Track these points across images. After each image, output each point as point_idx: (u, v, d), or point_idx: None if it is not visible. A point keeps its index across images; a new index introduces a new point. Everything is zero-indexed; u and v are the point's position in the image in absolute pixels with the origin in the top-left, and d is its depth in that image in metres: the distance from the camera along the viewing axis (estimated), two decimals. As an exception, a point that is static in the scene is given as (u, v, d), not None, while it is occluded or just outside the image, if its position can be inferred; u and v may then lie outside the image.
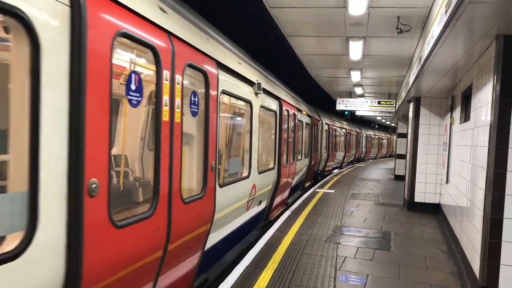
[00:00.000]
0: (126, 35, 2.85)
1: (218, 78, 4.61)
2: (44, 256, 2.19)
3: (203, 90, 4.30)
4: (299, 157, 11.57)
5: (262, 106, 7.01)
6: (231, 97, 5.68)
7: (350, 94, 17.19)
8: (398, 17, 6.36)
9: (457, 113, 7.69)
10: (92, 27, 2.44)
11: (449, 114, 8.74)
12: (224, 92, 4.95)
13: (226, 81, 5.04)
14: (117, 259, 2.74)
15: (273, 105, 7.99)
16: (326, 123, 18.28)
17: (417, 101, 10.10)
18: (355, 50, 8.54)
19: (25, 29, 2.05)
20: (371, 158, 39.58)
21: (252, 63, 7.02)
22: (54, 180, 2.24)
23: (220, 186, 4.82)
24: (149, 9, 3.25)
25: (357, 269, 5.51)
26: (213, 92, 4.44)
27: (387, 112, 16.29)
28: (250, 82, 6.31)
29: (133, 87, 3.15)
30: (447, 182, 8.36)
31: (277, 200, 8.82)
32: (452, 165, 7.81)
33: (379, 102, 15.81)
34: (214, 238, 4.90)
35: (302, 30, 7.67)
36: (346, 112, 22.01)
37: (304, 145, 12.73)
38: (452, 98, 8.48)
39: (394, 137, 43.22)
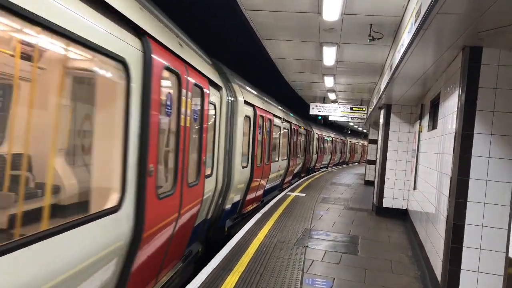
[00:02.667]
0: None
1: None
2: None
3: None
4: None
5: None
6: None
7: (324, 100, 17.39)
8: (371, 24, 6.46)
9: (425, 121, 7.88)
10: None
11: (418, 122, 8.95)
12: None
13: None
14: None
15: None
16: (316, 133, 24.02)
17: (388, 108, 10.30)
18: (329, 55, 8.64)
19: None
20: (356, 162, 45.39)
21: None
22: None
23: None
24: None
25: (324, 272, 5.55)
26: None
27: (359, 118, 16.54)
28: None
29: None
30: (414, 188, 8.55)
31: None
32: (420, 172, 7.99)
33: (351, 108, 16.04)
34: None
35: (276, 34, 7.71)
36: (320, 117, 23.18)
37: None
38: (421, 106, 8.68)
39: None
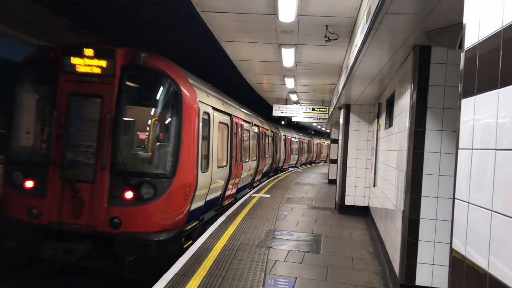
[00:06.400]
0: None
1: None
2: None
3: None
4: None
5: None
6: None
7: (286, 101, 17.53)
8: (327, 25, 6.56)
9: (382, 119, 8.06)
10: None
11: (376, 120, 9.15)
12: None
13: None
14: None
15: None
16: (283, 135, 24.63)
17: (347, 108, 10.49)
18: (288, 57, 8.70)
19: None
20: (322, 161, 47.19)
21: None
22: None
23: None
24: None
25: (286, 272, 5.57)
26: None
27: (321, 118, 16.77)
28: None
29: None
30: (374, 185, 8.73)
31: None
32: (379, 169, 8.17)
33: (313, 109, 16.24)
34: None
35: (235, 36, 7.70)
36: (282, 122, 25.09)
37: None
38: (378, 105, 8.88)
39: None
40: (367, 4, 4.39)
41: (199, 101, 7.09)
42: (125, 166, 6.18)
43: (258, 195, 13.08)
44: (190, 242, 7.15)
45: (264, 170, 18.03)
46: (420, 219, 4.49)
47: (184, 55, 13.55)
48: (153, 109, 6.85)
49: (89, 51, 6.27)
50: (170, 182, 6.14)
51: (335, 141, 18.45)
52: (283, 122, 26.28)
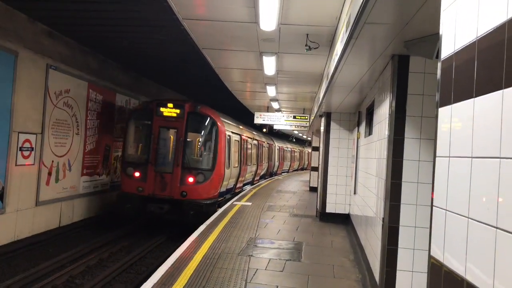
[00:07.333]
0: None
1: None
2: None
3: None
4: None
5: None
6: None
7: (268, 109, 17.58)
8: (307, 34, 6.61)
9: (362, 127, 8.16)
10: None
11: (356, 129, 9.25)
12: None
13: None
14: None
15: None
16: (277, 145, 31.08)
17: (328, 116, 10.58)
18: (269, 65, 8.73)
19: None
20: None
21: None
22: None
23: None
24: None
25: (267, 281, 5.55)
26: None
27: (302, 126, 16.86)
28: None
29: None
30: (355, 193, 8.80)
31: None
32: (359, 177, 8.24)
33: (294, 117, 16.33)
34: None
35: (216, 43, 7.70)
36: (264, 130, 26.39)
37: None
38: (359, 114, 8.99)
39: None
40: (346, 14, 4.45)
41: (226, 129, 12.99)
42: (189, 164, 11.66)
43: (239, 203, 13.04)
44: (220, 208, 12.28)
45: (261, 173, 24.27)
46: (400, 226, 4.53)
47: (165, 61, 13.50)
48: (203, 135, 12.38)
49: (170, 105, 11.87)
50: (211, 173, 11.75)
51: (316, 148, 18.57)
52: (264, 130, 26.61)
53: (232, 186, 14.84)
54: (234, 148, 14.51)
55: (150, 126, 11.78)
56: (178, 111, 11.74)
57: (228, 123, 14.01)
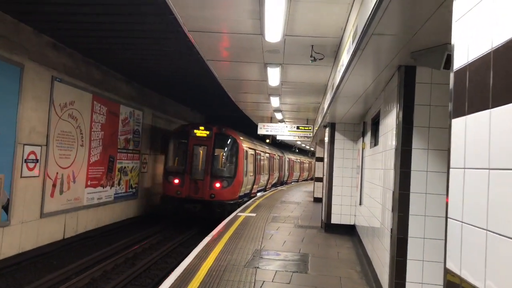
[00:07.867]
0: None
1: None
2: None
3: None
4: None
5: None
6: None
7: (271, 119, 17.60)
8: (312, 45, 6.63)
9: (368, 138, 8.14)
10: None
11: (361, 139, 9.23)
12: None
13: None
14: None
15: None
16: (288, 157, 35.09)
17: (332, 127, 10.57)
18: (273, 76, 8.76)
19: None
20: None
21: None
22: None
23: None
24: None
25: (275, 293, 5.49)
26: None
27: (305, 137, 16.85)
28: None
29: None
30: (360, 204, 8.75)
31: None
32: (365, 188, 8.20)
33: (298, 127, 16.33)
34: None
35: (221, 55, 7.74)
36: (267, 140, 27.23)
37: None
38: (363, 124, 8.97)
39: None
40: (353, 25, 4.46)
41: (244, 146, 16.55)
42: (216, 173, 15.10)
43: (244, 214, 12.98)
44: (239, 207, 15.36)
45: (273, 181, 28.14)
46: (409, 238, 4.49)
47: (169, 72, 13.58)
48: (227, 150, 15.89)
49: (202, 127, 15.58)
50: (233, 180, 15.26)
51: (320, 159, 18.53)
52: (268, 141, 26.84)
53: (248, 191, 18.57)
54: (250, 160, 18.04)
55: (186, 144, 15.29)
56: (207, 132, 15.32)
57: (246, 140, 17.77)
